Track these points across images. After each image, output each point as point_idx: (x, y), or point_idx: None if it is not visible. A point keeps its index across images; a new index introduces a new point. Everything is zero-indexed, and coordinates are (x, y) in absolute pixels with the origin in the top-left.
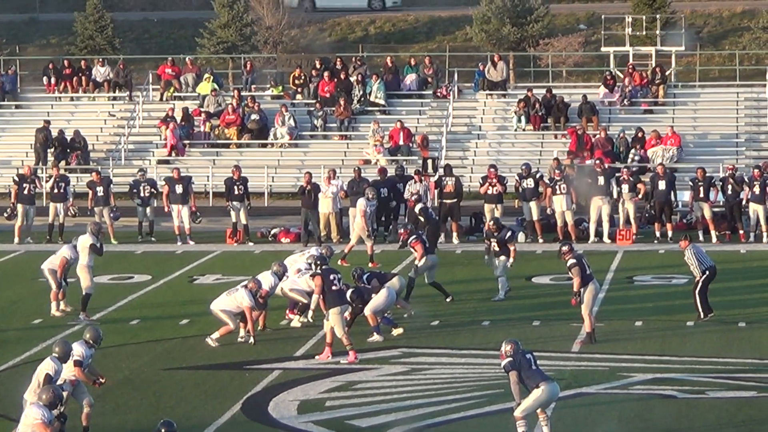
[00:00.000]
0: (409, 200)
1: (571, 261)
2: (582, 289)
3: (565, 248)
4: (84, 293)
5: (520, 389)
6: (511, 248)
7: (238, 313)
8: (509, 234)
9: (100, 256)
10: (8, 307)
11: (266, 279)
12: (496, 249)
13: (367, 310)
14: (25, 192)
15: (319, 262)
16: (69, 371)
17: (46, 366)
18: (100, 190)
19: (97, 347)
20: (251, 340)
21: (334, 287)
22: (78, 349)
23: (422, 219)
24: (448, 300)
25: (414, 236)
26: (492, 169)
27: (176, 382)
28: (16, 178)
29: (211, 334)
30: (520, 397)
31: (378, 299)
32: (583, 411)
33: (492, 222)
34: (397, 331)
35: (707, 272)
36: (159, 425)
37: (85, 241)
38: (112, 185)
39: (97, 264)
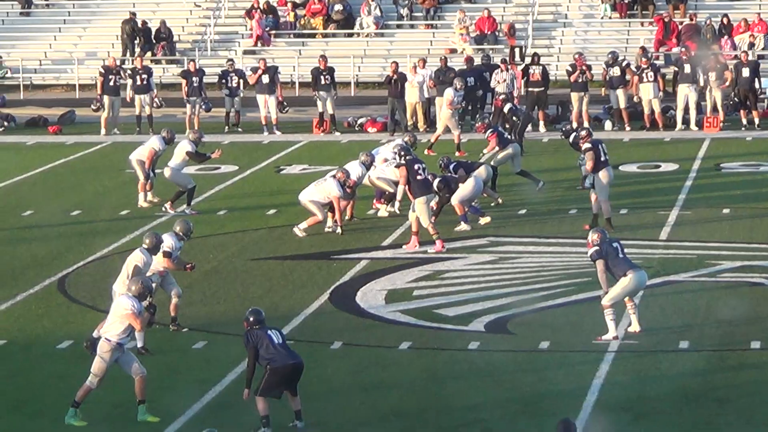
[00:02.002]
0: (496, 99)
1: (587, 145)
2: (594, 175)
3: (583, 133)
4: (181, 189)
5: (608, 278)
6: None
7: (327, 203)
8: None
9: (200, 162)
10: (96, 199)
11: (354, 168)
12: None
13: (455, 200)
14: (111, 83)
15: (403, 153)
16: (158, 262)
17: (136, 257)
18: (195, 80)
19: (187, 240)
20: (339, 230)
21: (419, 177)
22: (168, 241)
23: (514, 119)
24: (539, 186)
25: (491, 129)
26: (580, 56)
27: (264, 273)
28: (102, 70)
29: (299, 224)
30: (607, 285)
31: (465, 188)
32: (670, 299)
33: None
34: (484, 220)
35: None
36: (247, 313)
37: (183, 147)
38: (204, 76)
39: None
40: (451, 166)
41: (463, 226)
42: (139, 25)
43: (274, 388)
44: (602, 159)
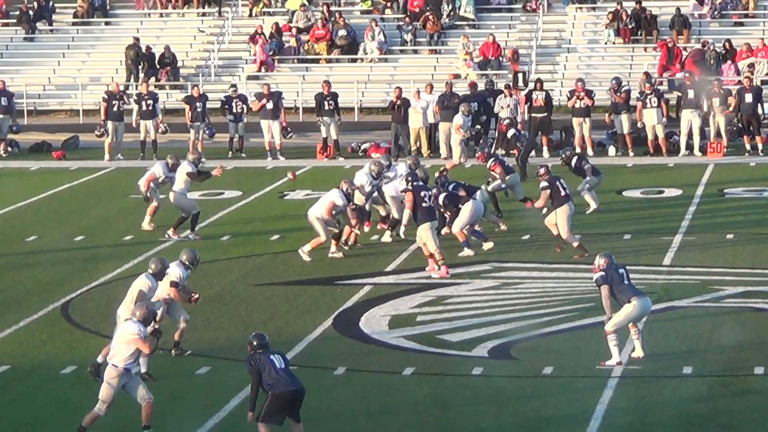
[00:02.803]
0: (501, 124)
1: (543, 184)
2: (551, 209)
3: (542, 170)
4: (184, 215)
5: (612, 303)
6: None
7: (331, 222)
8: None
9: (201, 181)
10: (99, 224)
11: (359, 177)
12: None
13: (455, 228)
14: (114, 109)
15: (410, 178)
16: (164, 290)
17: (141, 282)
18: (198, 105)
19: (194, 269)
20: (339, 254)
21: (424, 204)
22: (175, 271)
23: (517, 144)
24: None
25: (492, 159)
26: (579, 83)
27: (267, 298)
28: (105, 96)
29: (303, 246)
30: (611, 311)
31: (464, 214)
32: (674, 324)
33: (567, 152)
34: (487, 245)
35: None
36: (251, 337)
37: (183, 169)
38: (207, 101)
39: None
40: (450, 186)
41: (467, 252)
42: (143, 50)
43: (275, 415)
44: (562, 194)
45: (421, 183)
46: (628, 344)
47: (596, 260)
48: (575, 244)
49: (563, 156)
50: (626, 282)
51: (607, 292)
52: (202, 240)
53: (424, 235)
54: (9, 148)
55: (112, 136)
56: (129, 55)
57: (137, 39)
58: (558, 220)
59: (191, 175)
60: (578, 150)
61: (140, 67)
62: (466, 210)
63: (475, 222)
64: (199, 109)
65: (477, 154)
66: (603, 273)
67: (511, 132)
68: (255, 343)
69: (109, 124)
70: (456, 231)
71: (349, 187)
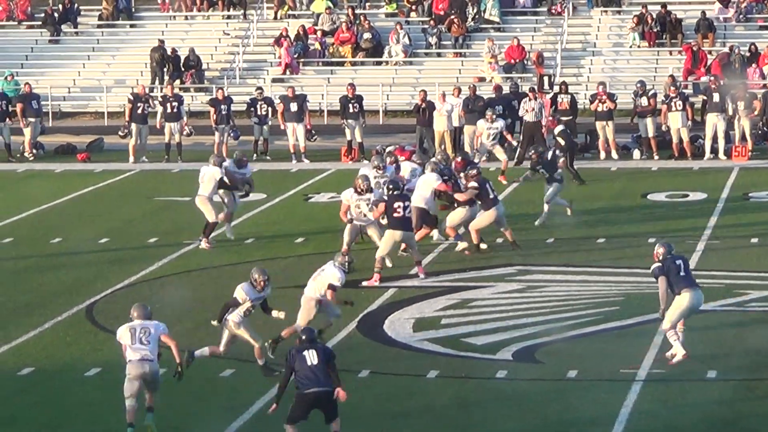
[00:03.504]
0: (551, 121)
1: (473, 184)
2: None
3: (473, 171)
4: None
5: (667, 296)
6: (560, 162)
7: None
8: (551, 153)
9: (231, 190)
10: (124, 226)
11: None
12: (548, 176)
13: (473, 227)
14: (139, 111)
15: (391, 186)
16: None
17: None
18: (223, 108)
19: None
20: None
21: (396, 214)
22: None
23: (563, 141)
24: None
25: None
26: (601, 86)
27: (292, 301)
28: (131, 97)
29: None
30: (665, 303)
31: (486, 217)
32: (698, 328)
33: (533, 151)
34: (462, 245)
35: None
36: (300, 331)
37: (213, 173)
38: (232, 104)
39: None
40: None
41: (461, 245)
42: (168, 52)
43: (298, 415)
44: (491, 197)
45: (400, 193)
46: (651, 349)
47: (655, 248)
48: (474, 240)
49: (533, 155)
50: (682, 273)
51: (665, 284)
52: (227, 242)
53: (385, 238)
54: (34, 150)
55: (136, 138)
56: (154, 57)
57: (162, 41)
58: (476, 220)
59: (222, 183)
60: (603, 154)
61: (165, 69)
62: (489, 215)
63: (493, 224)
64: (224, 112)
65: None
66: (659, 264)
67: (559, 128)
68: (303, 337)
69: (133, 126)
70: (472, 230)
71: (362, 183)
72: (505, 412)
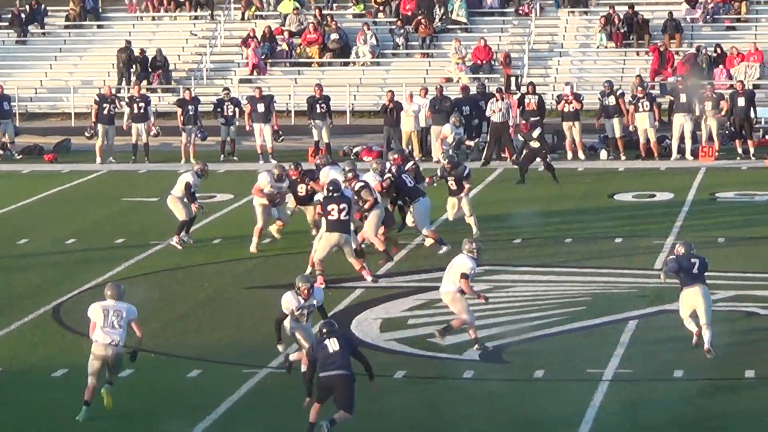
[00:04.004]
0: (524, 124)
1: (359, 185)
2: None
3: (350, 175)
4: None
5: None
6: (466, 186)
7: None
8: (467, 171)
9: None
10: (91, 227)
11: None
12: (453, 187)
13: (423, 229)
14: (105, 112)
15: (330, 188)
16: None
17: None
18: (190, 109)
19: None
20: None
21: (331, 216)
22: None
23: (538, 145)
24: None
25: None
26: (567, 87)
27: (259, 301)
28: (97, 98)
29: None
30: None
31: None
32: (665, 328)
33: (447, 160)
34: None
35: None
36: (320, 325)
37: (185, 177)
38: (199, 104)
39: None
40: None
41: (445, 249)
42: (135, 53)
43: (320, 397)
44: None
45: (339, 194)
46: (618, 348)
47: (676, 247)
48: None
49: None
50: (695, 271)
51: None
52: (195, 243)
53: (324, 241)
54: (1, 151)
55: (102, 139)
56: (121, 58)
57: (129, 42)
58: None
59: (187, 187)
60: (570, 154)
61: (132, 70)
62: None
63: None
64: (191, 112)
65: (395, 156)
66: (674, 264)
67: (537, 132)
68: (324, 330)
69: (100, 127)
70: (425, 233)
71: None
72: (473, 411)
